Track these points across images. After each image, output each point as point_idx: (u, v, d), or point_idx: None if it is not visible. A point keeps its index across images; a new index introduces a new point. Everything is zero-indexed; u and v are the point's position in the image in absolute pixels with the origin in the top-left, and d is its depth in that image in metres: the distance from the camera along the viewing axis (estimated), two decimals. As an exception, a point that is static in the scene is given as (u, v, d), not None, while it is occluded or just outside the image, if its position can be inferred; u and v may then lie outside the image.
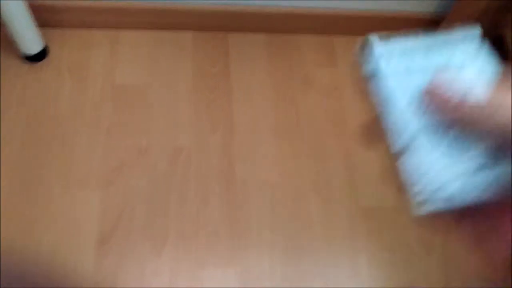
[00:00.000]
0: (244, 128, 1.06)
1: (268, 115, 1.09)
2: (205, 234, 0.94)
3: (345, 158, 1.05)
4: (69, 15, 1.11)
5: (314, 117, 1.10)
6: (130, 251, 0.90)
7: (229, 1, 1.12)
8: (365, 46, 0.27)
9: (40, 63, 1.08)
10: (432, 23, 1.20)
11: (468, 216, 0.28)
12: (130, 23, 1.14)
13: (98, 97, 1.05)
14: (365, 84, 0.29)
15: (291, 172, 1.02)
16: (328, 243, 0.96)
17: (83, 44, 1.12)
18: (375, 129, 0.30)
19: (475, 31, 0.28)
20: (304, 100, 1.11)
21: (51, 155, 0.98)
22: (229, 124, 1.06)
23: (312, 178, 1.02)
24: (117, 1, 1.09)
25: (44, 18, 1.09)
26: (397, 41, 0.27)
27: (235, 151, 1.03)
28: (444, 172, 0.26)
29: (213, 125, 1.06)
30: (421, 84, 0.27)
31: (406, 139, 0.27)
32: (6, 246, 0.88)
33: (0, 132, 0.99)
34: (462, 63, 0.28)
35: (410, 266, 0.95)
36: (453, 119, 0.26)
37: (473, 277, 0.96)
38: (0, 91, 1.04)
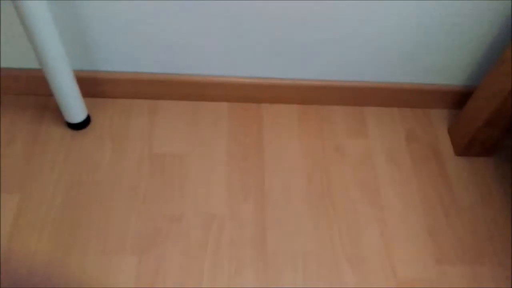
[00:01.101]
0: (276, 197, 1.07)
1: (300, 184, 1.10)
2: (237, 305, 0.92)
3: (378, 228, 1.04)
4: (111, 86, 1.17)
5: (346, 186, 1.10)
6: (162, 320, 0.90)
7: (262, 76, 1.17)
8: None
9: (83, 131, 1.14)
10: (463, 95, 1.22)
11: None
12: (169, 94, 1.20)
13: (136, 165, 1.09)
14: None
15: (323, 242, 1.01)
16: (363, 318, 0.93)
17: (123, 113, 1.18)
18: None
19: None
20: (336, 170, 1.13)
21: (90, 219, 1.00)
22: (261, 193, 1.07)
23: (345, 248, 1.01)
24: (157, 74, 1.16)
25: (88, 88, 1.16)
26: None
27: (267, 220, 1.04)
28: None
29: (245, 194, 1.07)
30: None
31: None
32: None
33: (42, 197, 1.03)
34: None
35: None
36: None
37: None
38: (43, 157, 1.08)
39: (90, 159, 1.10)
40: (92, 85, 1.16)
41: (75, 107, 1.08)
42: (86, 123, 1.14)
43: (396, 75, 1.18)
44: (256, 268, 0.97)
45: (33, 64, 1.12)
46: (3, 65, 1.13)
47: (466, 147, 1.16)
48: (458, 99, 1.24)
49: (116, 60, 1.12)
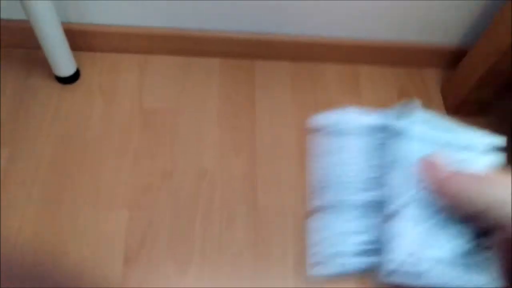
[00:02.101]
0: (267, 153, 1.07)
1: (291, 141, 1.10)
2: (229, 255, 0.94)
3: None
4: (101, 40, 1.15)
5: (338, 144, 1.10)
6: (155, 270, 0.91)
7: (256, 30, 1.15)
8: (406, 106, 0.28)
9: (72, 85, 1.12)
10: (457, 55, 1.21)
11: None
12: (159, 49, 1.18)
13: (126, 120, 1.08)
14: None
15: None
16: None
17: (113, 67, 1.16)
18: None
19: (502, 142, 0.29)
20: (327, 127, 1.12)
21: (80, 174, 1.00)
22: (252, 149, 1.07)
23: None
24: (147, 27, 1.13)
25: (77, 41, 1.13)
26: (434, 115, 0.28)
27: (258, 176, 1.04)
28: (423, 248, 0.25)
29: (236, 150, 1.07)
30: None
31: (398, 204, 0.26)
32: (35, 262, 0.90)
33: (31, 151, 1.02)
34: (473, 158, 0.28)
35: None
36: (443, 193, 0.26)
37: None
38: (32, 111, 1.07)
39: (80, 114, 1.08)
40: (81, 38, 1.13)
41: (63, 61, 1.06)
42: (75, 77, 1.11)
43: (391, 33, 1.17)
44: (247, 224, 0.98)
45: (20, 15, 1.09)
46: (-12, 16, 1.10)
47: (458, 107, 1.16)
48: (452, 59, 1.23)
49: (106, 12, 1.09)
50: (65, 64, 1.07)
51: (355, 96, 1.18)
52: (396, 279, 0.25)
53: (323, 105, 1.16)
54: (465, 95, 1.12)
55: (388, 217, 0.26)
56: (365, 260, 0.26)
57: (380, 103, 1.18)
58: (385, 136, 0.28)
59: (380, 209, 0.27)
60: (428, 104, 1.19)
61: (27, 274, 0.89)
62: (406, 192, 0.26)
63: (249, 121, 1.11)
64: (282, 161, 1.07)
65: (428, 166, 0.26)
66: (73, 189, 0.98)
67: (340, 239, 0.26)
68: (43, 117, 1.07)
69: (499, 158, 0.28)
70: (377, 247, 0.26)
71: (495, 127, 1.23)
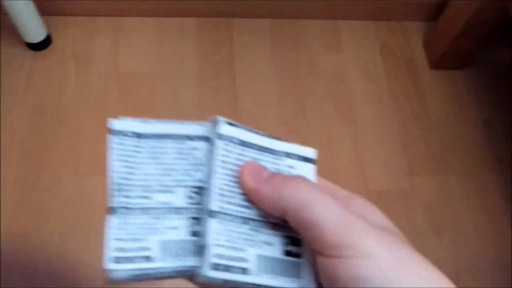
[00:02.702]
0: (249, 115, 1.06)
1: (273, 102, 1.08)
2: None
3: (352, 143, 1.05)
4: (71, 3, 1.10)
5: (320, 102, 1.09)
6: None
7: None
8: (214, 124, 0.28)
9: (44, 51, 1.08)
10: (438, 7, 1.19)
11: None
12: (133, 11, 1.13)
13: (102, 85, 1.05)
14: None
15: (297, 158, 1.02)
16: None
17: (86, 32, 1.12)
18: None
19: (311, 153, 0.30)
20: (309, 85, 1.11)
21: (58, 142, 0.98)
22: (234, 111, 1.05)
23: (319, 163, 1.01)
24: (120, -12, 1.09)
25: (46, 6, 1.08)
26: (245, 130, 0.28)
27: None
28: (233, 252, 0.26)
29: (217, 112, 1.05)
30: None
31: (209, 208, 0.26)
32: (15, 234, 0.88)
33: (6, 120, 0.99)
34: (286, 165, 0.29)
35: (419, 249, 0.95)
36: (258, 196, 0.26)
37: (483, 257, 0.96)
38: (4, 79, 1.03)
39: (55, 81, 1.05)
40: (50, 2, 1.08)
41: (32, 26, 1.02)
42: (46, 43, 1.07)
43: (371, -14, 1.14)
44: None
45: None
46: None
47: (440, 60, 1.15)
48: (433, 11, 1.20)
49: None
50: (34, 30, 1.03)
51: (337, 52, 1.16)
52: (208, 281, 0.25)
53: (304, 62, 1.14)
54: (447, 47, 1.11)
55: (199, 221, 0.27)
56: (170, 264, 0.26)
57: (362, 58, 1.16)
58: (194, 144, 0.29)
59: (186, 212, 0.27)
60: (410, 58, 1.18)
61: (10, 248, 0.88)
62: (217, 196, 0.26)
63: (229, 82, 1.09)
64: (264, 121, 1.05)
65: (245, 170, 0.27)
66: (52, 158, 0.96)
67: (133, 241, 0.26)
68: (15, 86, 1.03)
69: (311, 167, 0.30)
70: (185, 250, 0.26)
71: (477, 80, 1.24)
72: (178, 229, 0.27)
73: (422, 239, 0.96)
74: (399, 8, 1.20)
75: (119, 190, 0.27)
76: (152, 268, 0.26)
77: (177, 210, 0.27)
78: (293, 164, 0.29)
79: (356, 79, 1.13)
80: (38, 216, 0.91)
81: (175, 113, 1.03)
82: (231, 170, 0.27)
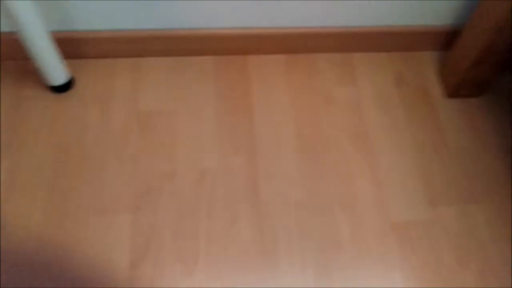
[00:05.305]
0: (267, 149, 1.07)
1: (289, 135, 1.09)
2: (234, 253, 0.93)
3: (371, 174, 1.05)
4: (92, 46, 1.14)
5: (336, 134, 1.10)
6: (161, 274, 0.91)
7: (247, 25, 1.14)
8: None
9: (66, 94, 1.11)
10: (451, 35, 1.20)
11: None
12: (151, 51, 1.17)
13: (124, 125, 1.07)
14: None
15: (316, 191, 1.01)
16: (360, 260, 0.94)
17: (106, 73, 1.15)
18: None
19: None
20: (325, 118, 1.12)
21: (81, 182, 1.00)
22: (251, 145, 1.07)
23: (338, 195, 1.01)
24: (137, 30, 1.12)
25: (68, 49, 1.12)
26: None
27: (259, 172, 1.03)
28: None
29: (235, 147, 1.06)
30: None
31: None
32: (42, 271, 0.89)
33: (31, 160, 1.01)
34: None
35: (445, 282, 0.93)
36: None
37: (511, 290, 0.94)
38: (29, 121, 1.06)
39: (77, 122, 1.08)
40: (71, 46, 1.13)
41: (55, 70, 1.05)
42: (69, 85, 1.11)
43: (383, 19, 1.15)
44: (251, 220, 0.97)
45: (8, 27, 1.09)
46: (-22, 29, 1.09)
47: (456, 88, 1.15)
48: (447, 40, 1.21)
49: (94, 18, 1.08)
50: (57, 73, 1.06)
51: (352, 84, 1.17)
52: None
53: (320, 95, 1.15)
54: (462, 76, 1.11)
55: None
56: None
57: (377, 90, 1.17)
58: None
59: None
60: (426, 88, 1.18)
61: (34, 283, 0.88)
62: None
63: (246, 117, 1.11)
64: (282, 155, 1.06)
65: None
66: (76, 197, 0.98)
67: None
68: (40, 128, 1.06)
69: None
70: None
71: (494, 107, 1.23)
72: None
73: (448, 270, 0.94)
74: (412, 38, 1.21)
75: None
76: None
77: None
78: None
79: (372, 110, 1.14)
80: (63, 256, 0.91)
81: (195, 149, 1.05)
82: None
